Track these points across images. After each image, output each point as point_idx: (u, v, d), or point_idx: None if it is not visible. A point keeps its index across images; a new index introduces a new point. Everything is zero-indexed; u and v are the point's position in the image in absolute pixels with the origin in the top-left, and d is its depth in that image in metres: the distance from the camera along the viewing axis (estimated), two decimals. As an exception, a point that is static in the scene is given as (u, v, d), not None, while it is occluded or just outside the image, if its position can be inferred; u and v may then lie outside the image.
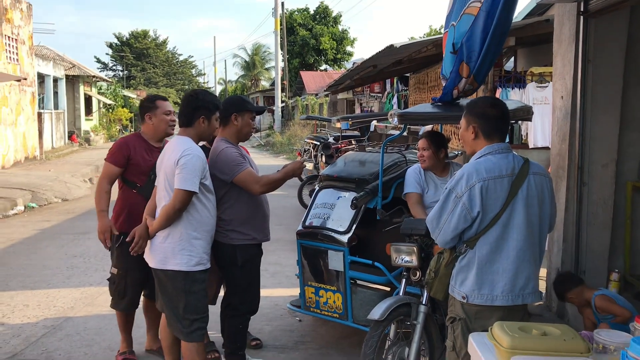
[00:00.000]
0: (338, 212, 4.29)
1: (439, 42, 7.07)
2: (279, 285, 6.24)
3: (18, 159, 17.58)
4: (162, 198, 3.47)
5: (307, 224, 4.38)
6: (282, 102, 35.65)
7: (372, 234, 4.55)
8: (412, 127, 5.97)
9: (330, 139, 12.65)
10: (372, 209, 4.25)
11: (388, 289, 4.33)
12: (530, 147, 7.68)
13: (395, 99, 14.47)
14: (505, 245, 2.71)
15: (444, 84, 4.20)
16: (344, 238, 4.15)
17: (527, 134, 7.83)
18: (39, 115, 20.16)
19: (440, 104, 4.18)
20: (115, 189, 4.13)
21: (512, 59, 10.05)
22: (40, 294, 5.90)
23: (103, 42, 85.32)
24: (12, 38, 17.64)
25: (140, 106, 4.18)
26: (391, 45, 7.47)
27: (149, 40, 64.05)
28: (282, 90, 36.06)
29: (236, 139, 3.90)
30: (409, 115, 3.98)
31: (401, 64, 9.60)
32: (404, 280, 3.76)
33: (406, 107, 13.56)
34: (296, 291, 5.17)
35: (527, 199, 2.73)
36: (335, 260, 4.19)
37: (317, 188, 4.57)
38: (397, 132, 4.95)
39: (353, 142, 5.95)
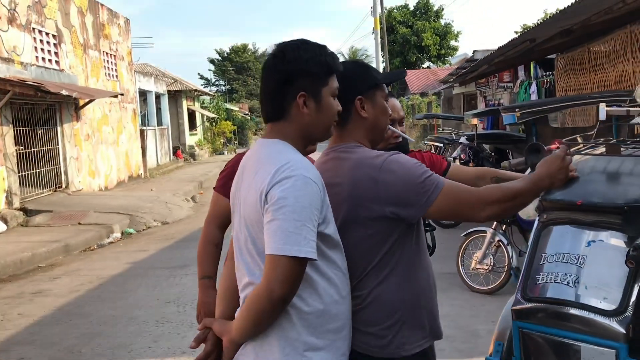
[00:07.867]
0: (594, 271, 2.29)
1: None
2: None
3: (121, 178, 16.91)
4: (243, 270, 1.68)
5: (531, 292, 2.41)
6: (386, 104, 33.64)
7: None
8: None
9: (463, 139, 10.56)
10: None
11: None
12: None
13: (534, 87, 12.07)
14: None
15: None
16: (616, 324, 2.16)
17: None
18: (142, 132, 19.61)
19: None
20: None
21: None
22: (116, 370, 4.39)
23: (205, 59, 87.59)
24: (111, 54, 17.05)
25: None
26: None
27: (249, 53, 64.97)
28: (385, 91, 34.10)
29: (369, 141, 1.96)
30: None
31: (570, 34, 7.34)
32: None
33: (551, 96, 11.15)
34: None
35: None
36: (598, 365, 2.21)
37: (539, 223, 2.57)
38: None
39: (579, 139, 3.80)
